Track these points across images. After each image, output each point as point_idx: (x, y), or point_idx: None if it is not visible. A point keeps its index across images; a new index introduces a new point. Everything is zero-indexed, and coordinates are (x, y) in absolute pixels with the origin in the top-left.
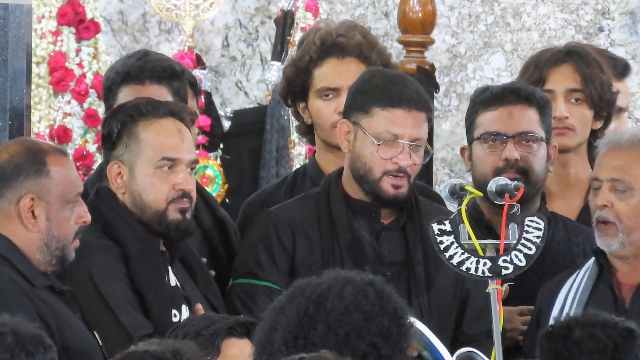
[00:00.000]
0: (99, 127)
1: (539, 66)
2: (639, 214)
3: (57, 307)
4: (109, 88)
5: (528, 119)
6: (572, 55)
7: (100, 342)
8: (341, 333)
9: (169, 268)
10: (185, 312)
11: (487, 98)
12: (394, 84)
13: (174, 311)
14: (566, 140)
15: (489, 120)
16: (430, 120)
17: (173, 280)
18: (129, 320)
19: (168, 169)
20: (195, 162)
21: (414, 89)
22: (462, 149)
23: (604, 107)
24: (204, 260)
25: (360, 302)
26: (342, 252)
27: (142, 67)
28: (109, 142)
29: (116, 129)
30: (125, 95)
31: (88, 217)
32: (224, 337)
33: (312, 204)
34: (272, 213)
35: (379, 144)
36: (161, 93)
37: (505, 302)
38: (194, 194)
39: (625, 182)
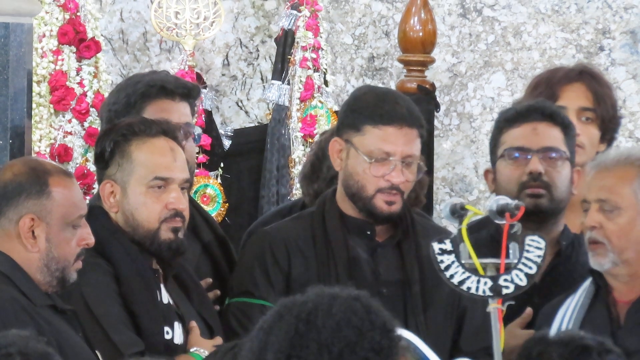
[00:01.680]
0: None
1: (551, 84)
2: (628, 233)
3: (59, 327)
4: (130, 103)
5: (553, 136)
6: (585, 74)
7: None
8: (335, 351)
9: (161, 286)
10: (177, 329)
11: (511, 116)
12: (385, 101)
13: (166, 328)
14: (577, 158)
15: (513, 137)
16: (422, 137)
17: (165, 298)
18: (119, 337)
19: (160, 188)
20: (188, 181)
21: (405, 106)
22: (486, 172)
23: (612, 128)
24: (210, 280)
25: (350, 317)
26: (337, 270)
27: (175, 82)
28: (102, 161)
29: (109, 147)
30: (156, 109)
31: (91, 240)
32: None
33: (307, 223)
34: (267, 232)
35: (371, 162)
36: (185, 111)
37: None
38: (186, 214)
39: (612, 202)
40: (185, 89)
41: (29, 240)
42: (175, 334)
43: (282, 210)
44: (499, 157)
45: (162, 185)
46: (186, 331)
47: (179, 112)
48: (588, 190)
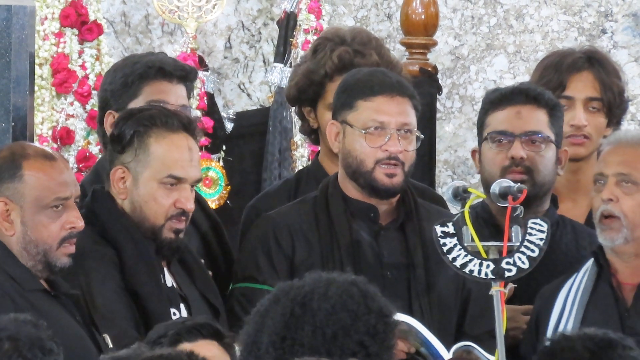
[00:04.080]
0: None
1: (560, 71)
2: None
3: (48, 311)
4: (127, 83)
5: (536, 119)
6: (593, 62)
7: (111, 344)
8: (329, 333)
9: (165, 269)
10: (184, 312)
11: (496, 98)
12: (374, 76)
13: (173, 310)
14: (582, 150)
15: (497, 120)
16: (416, 108)
17: (169, 281)
18: (113, 332)
19: (172, 185)
20: (199, 180)
21: (395, 78)
22: (473, 152)
23: (618, 114)
24: (202, 261)
25: (345, 301)
26: (341, 254)
27: (174, 64)
28: (119, 145)
29: (128, 134)
30: (153, 90)
31: (79, 224)
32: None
33: (310, 207)
34: (271, 217)
35: (365, 134)
36: (182, 93)
37: (510, 301)
38: (191, 213)
39: (632, 177)
40: (183, 72)
41: (4, 224)
42: (182, 315)
43: (288, 180)
44: (483, 139)
45: (174, 183)
46: (191, 313)
47: (175, 94)
48: (605, 164)
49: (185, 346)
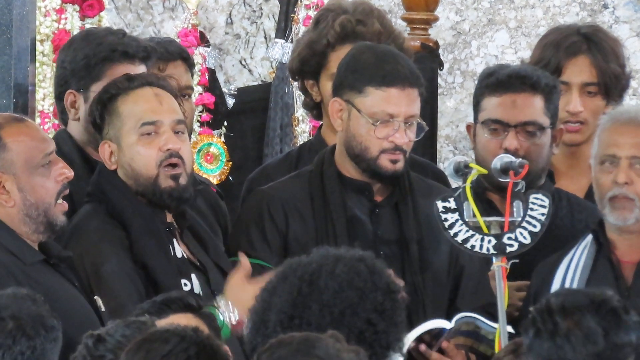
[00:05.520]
0: None
1: (557, 53)
2: None
3: (49, 282)
4: (90, 65)
5: (532, 107)
6: (590, 45)
7: (103, 308)
8: (336, 311)
9: (174, 240)
10: (195, 280)
11: (493, 83)
12: (386, 62)
13: (183, 281)
14: (578, 136)
15: (493, 106)
16: (422, 95)
17: (179, 252)
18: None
19: (151, 134)
20: (181, 121)
21: (407, 66)
22: (468, 126)
23: (617, 95)
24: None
25: (353, 279)
26: (335, 230)
27: (136, 46)
28: (97, 127)
29: (97, 111)
30: (116, 73)
31: (69, 173)
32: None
33: (305, 182)
34: (265, 192)
35: (374, 124)
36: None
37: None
38: (185, 155)
39: None
40: (145, 53)
41: (1, 197)
42: (194, 284)
43: (290, 153)
44: (479, 122)
45: (152, 132)
46: (206, 281)
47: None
48: (616, 145)
49: (159, 323)
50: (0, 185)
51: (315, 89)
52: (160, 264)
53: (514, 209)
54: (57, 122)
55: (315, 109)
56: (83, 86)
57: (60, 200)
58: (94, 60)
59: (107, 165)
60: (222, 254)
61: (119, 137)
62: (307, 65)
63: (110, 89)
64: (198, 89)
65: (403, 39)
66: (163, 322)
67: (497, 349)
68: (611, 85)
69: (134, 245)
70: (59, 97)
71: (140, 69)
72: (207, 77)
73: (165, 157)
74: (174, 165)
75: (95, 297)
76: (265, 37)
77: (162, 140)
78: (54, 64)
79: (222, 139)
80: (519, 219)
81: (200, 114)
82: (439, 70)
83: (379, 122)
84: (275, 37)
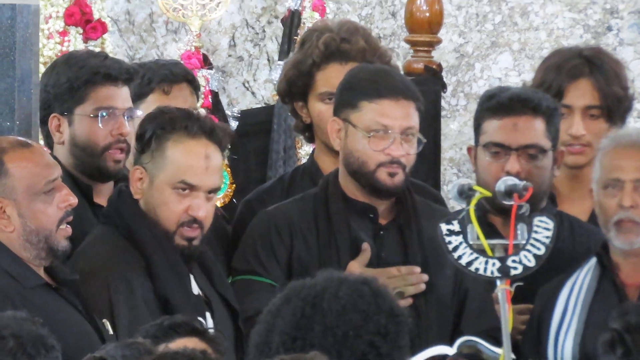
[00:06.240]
0: None
1: (559, 76)
2: None
3: (49, 306)
4: (73, 88)
5: (534, 130)
6: (592, 68)
7: (111, 332)
8: (339, 333)
9: (191, 276)
10: (209, 319)
11: (494, 106)
12: (379, 77)
13: (200, 319)
14: (581, 159)
15: (494, 128)
16: (420, 110)
17: (195, 289)
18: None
19: (185, 191)
20: (217, 189)
21: (400, 79)
22: (469, 149)
23: (620, 117)
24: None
25: (356, 301)
26: (339, 253)
27: (119, 68)
28: (140, 144)
29: (148, 135)
30: (99, 96)
31: (72, 200)
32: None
33: (310, 205)
34: (271, 212)
35: (369, 137)
36: (127, 95)
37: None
38: (207, 221)
39: None
40: (128, 75)
41: (1, 222)
42: (208, 324)
43: (283, 177)
44: (480, 145)
45: (187, 190)
46: (213, 318)
47: (121, 98)
48: (620, 169)
49: (164, 347)
50: (0, 210)
51: (305, 111)
52: (181, 301)
53: (518, 232)
54: None
55: (307, 131)
56: (67, 109)
57: (63, 225)
58: (76, 83)
59: (132, 189)
60: (227, 286)
61: (154, 176)
62: (294, 87)
63: (167, 123)
64: (201, 112)
65: (389, 56)
66: (172, 346)
67: None
68: (614, 108)
69: (156, 278)
70: (43, 121)
71: (123, 90)
72: (210, 99)
73: (187, 221)
74: (192, 228)
75: (104, 320)
76: (268, 60)
77: (194, 203)
78: None
79: (226, 161)
80: (523, 242)
81: None
82: (442, 93)
83: (372, 133)
84: (279, 59)
